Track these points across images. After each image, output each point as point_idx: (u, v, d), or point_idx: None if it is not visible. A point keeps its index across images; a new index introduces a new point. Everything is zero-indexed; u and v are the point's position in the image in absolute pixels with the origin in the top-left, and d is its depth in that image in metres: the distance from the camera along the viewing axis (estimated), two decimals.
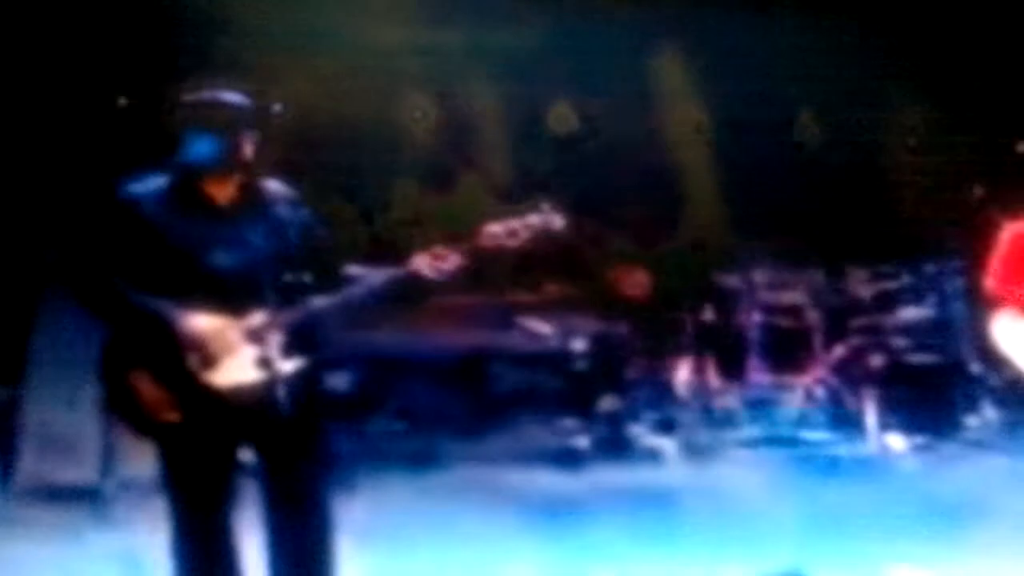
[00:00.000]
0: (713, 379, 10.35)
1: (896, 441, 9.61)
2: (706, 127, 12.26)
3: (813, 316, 10.34)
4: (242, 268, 4.74)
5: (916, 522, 7.45)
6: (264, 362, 4.68)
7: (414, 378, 10.04)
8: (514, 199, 11.70)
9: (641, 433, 9.89)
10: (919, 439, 9.60)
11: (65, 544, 7.08)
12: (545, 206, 5.18)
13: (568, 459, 9.47)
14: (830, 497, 8.29)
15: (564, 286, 11.50)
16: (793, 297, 10.36)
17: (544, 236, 5.16)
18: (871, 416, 9.71)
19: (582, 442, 9.74)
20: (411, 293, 5.17)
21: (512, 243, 5.08)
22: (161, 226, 4.75)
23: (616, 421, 9.96)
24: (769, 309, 10.43)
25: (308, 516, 4.92)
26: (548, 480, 9.09)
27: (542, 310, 10.78)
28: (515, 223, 5.08)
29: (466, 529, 7.51)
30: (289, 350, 4.75)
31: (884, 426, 9.72)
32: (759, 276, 10.59)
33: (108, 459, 7.81)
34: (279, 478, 4.91)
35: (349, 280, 4.94)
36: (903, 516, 7.64)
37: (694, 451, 9.66)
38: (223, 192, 4.84)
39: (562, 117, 12.02)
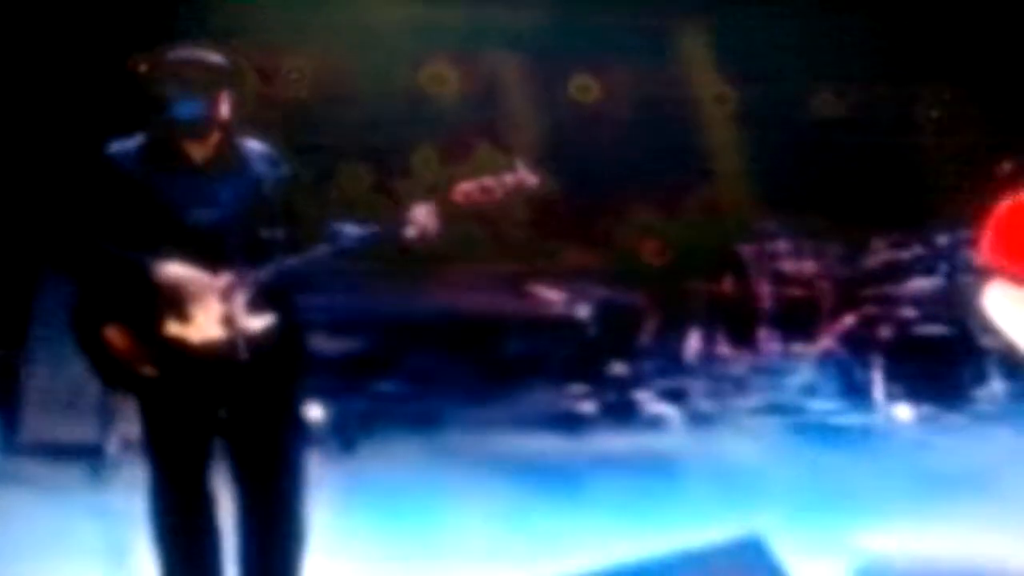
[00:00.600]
0: (723, 347, 10.39)
1: (902, 411, 9.65)
2: (728, 98, 12.28)
3: (824, 286, 10.37)
4: (218, 225, 4.80)
5: (913, 491, 7.49)
6: (230, 319, 4.75)
7: (424, 341, 10.10)
8: (534, 167, 11.81)
9: (647, 400, 9.93)
10: (926, 410, 9.62)
11: (66, 501, 7.19)
12: (520, 165, 5.21)
13: (572, 425, 9.54)
14: (830, 466, 8.30)
15: (583, 254, 11.59)
16: (804, 267, 10.37)
17: (518, 195, 5.18)
18: (878, 386, 9.75)
19: (588, 408, 9.81)
20: (394, 252, 5.21)
21: (485, 200, 5.11)
22: (139, 184, 4.81)
23: (622, 388, 10.00)
24: (780, 278, 10.46)
25: (276, 477, 4.95)
26: (551, 445, 9.15)
27: (559, 277, 10.85)
28: (489, 181, 5.11)
29: (467, 493, 7.54)
30: (259, 307, 4.81)
31: (891, 396, 9.75)
32: (773, 246, 10.61)
33: (109, 417, 7.94)
34: (248, 436, 4.95)
35: (325, 238, 4.97)
36: (901, 485, 7.68)
37: (699, 418, 9.71)
38: (201, 151, 4.89)
39: (583, 87, 12.04)
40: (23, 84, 9.95)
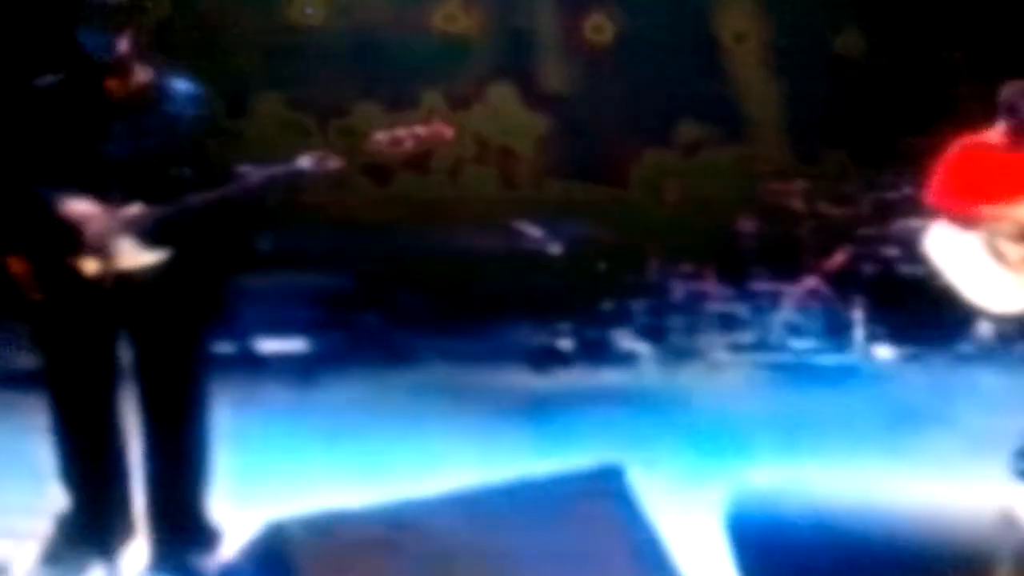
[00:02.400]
0: (710, 285, 10.39)
1: (883, 351, 9.66)
2: (748, 36, 12.28)
3: (813, 224, 10.33)
4: (129, 161, 4.88)
5: (878, 430, 7.52)
6: (127, 251, 4.84)
7: (409, 277, 10.22)
8: (547, 109, 11.90)
9: (623, 337, 9.97)
10: (909, 350, 9.63)
11: (26, 427, 7.36)
12: (435, 118, 5.33)
13: (547, 361, 9.59)
14: (797, 403, 8.42)
15: (593, 192, 11.69)
16: (795, 204, 10.36)
17: (431, 146, 5.29)
18: (860, 326, 9.72)
19: (564, 344, 9.86)
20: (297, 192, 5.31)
21: (395, 151, 5.19)
22: (57, 118, 4.91)
23: (601, 325, 10.07)
24: (769, 215, 10.48)
25: (175, 407, 5.05)
26: (524, 380, 9.24)
27: (568, 215, 10.92)
28: (401, 132, 5.18)
29: (438, 426, 7.66)
30: (154, 242, 4.91)
31: (873, 336, 9.74)
32: (790, 186, 10.57)
33: None
34: (148, 366, 5.03)
35: (232, 177, 5.02)
36: (867, 424, 7.70)
37: (676, 356, 9.74)
38: (120, 87, 4.95)
39: (599, 27, 12.07)
40: None
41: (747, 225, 10.53)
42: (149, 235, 4.90)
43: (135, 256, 4.90)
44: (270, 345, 9.47)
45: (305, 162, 5.04)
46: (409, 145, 5.16)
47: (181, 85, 5.11)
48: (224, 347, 9.45)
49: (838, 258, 10.06)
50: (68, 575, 5.04)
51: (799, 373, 9.34)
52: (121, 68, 4.94)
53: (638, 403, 8.53)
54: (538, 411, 8.25)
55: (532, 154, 11.91)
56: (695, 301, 10.22)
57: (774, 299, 10.10)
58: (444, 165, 11.67)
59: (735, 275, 10.46)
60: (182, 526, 5.10)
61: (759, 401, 8.54)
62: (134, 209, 4.88)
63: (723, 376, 9.35)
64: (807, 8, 11.98)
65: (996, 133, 6.73)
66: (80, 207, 4.86)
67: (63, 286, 4.88)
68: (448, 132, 5.24)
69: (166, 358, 5.04)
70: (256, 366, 9.30)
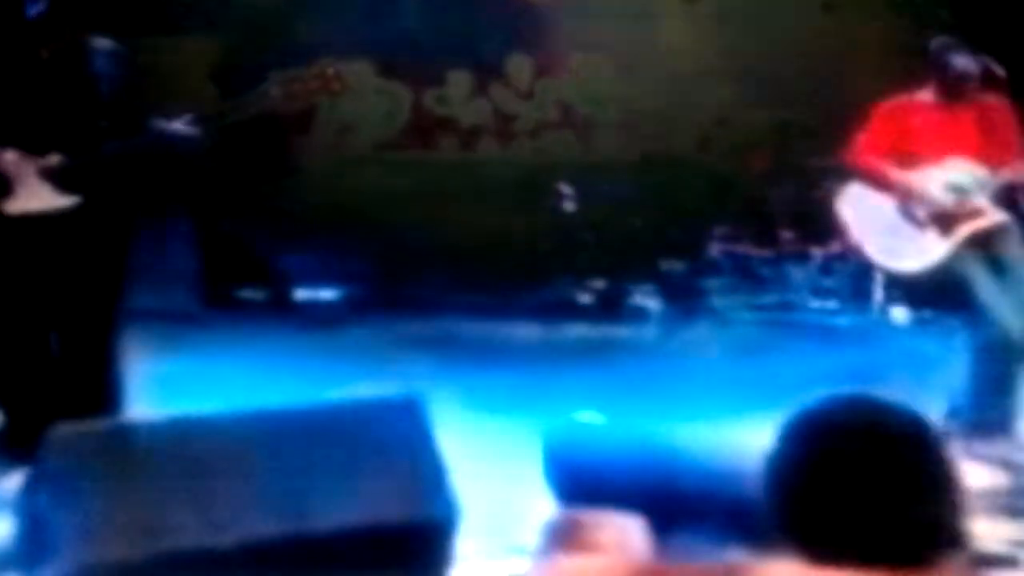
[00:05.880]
0: (745, 247, 10.55)
1: (899, 313, 9.74)
2: (835, 4, 12.31)
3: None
4: (53, 114, 5.45)
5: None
6: (44, 195, 5.42)
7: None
8: (627, 80, 12.14)
9: (640, 293, 10.21)
10: (926, 313, 9.62)
11: None
12: (329, 70, 5.78)
13: (559, 315, 9.90)
14: (792, 361, 8.48)
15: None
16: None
17: (322, 96, 5.77)
18: (878, 287, 9.79)
19: (580, 299, 10.19)
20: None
21: (289, 104, 5.70)
22: None
23: (626, 282, 10.32)
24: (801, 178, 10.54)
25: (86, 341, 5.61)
26: (532, 334, 9.55)
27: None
28: (296, 85, 5.71)
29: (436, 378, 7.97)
30: (69, 187, 5.48)
31: (889, 298, 9.79)
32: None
33: None
34: (64, 300, 5.57)
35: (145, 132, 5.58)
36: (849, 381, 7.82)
37: (690, 313, 9.94)
38: (48, 48, 5.48)
39: None
40: None
41: (782, 189, 10.67)
42: (64, 181, 5.48)
43: (50, 199, 5.47)
44: (303, 293, 10.04)
45: (178, 125, 5.53)
46: (303, 96, 5.63)
47: (103, 43, 5.63)
48: (258, 294, 10.21)
49: None
50: None
51: (808, 332, 9.49)
52: (46, 28, 5.47)
53: (636, 358, 8.74)
54: (537, 364, 8.52)
55: (612, 121, 12.17)
56: (727, 261, 10.40)
57: (803, 261, 10.22)
58: (526, 129, 12.05)
59: (769, 237, 10.58)
60: None
61: (755, 358, 8.69)
62: (52, 158, 5.49)
63: (727, 333, 9.52)
64: None
65: (925, 92, 6.75)
66: (11, 157, 5.44)
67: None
68: (337, 85, 5.66)
69: (81, 296, 5.59)
70: (289, 313, 9.87)
